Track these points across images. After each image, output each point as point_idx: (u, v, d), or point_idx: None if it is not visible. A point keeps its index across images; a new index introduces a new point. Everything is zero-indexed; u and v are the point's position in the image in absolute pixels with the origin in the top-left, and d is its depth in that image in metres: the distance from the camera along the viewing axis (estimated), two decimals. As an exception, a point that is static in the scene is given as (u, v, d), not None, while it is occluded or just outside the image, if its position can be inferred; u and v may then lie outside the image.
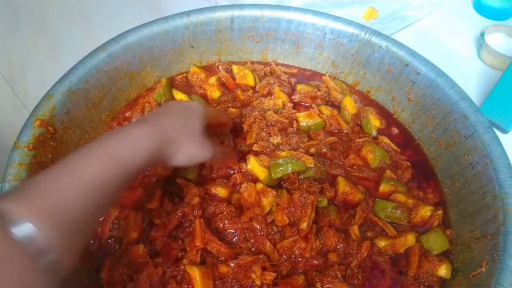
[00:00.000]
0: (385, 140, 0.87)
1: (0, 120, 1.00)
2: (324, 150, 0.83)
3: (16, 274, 0.39)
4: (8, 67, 1.00)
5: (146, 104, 0.88)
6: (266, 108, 0.89)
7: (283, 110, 0.89)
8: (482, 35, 1.13)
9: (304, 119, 0.87)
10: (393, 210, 0.75)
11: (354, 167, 0.82)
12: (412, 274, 0.70)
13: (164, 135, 0.58)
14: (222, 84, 0.95)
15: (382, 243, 0.72)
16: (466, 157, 0.77)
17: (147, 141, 0.56)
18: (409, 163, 0.84)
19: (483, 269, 0.65)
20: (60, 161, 0.48)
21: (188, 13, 0.90)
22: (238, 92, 0.93)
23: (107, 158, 0.50)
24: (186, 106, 0.69)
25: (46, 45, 1.05)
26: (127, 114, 0.88)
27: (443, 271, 0.70)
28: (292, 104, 0.90)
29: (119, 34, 0.85)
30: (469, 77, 1.10)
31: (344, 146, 0.86)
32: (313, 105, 0.91)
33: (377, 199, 0.77)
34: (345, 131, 0.88)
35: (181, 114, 0.65)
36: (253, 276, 0.65)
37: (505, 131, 0.98)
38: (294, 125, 0.86)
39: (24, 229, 0.40)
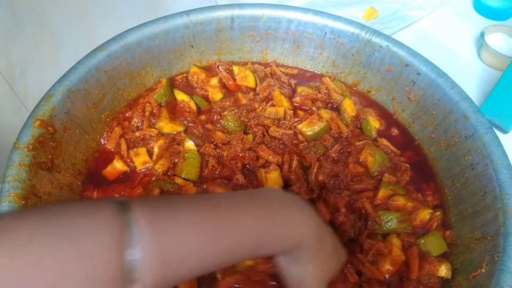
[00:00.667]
0: (384, 142, 0.87)
1: (0, 120, 1.00)
2: (329, 167, 0.82)
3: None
4: (8, 67, 1.00)
5: (147, 104, 0.88)
6: (268, 117, 0.89)
7: (285, 121, 0.88)
8: (482, 35, 1.13)
9: (308, 127, 0.86)
10: (398, 222, 0.74)
11: (354, 179, 0.81)
12: (414, 277, 0.70)
13: (314, 241, 0.47)
14: (223, 86, 0.95)
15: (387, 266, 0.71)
16: (466, 157, 0.77)
17: (300, 237, 0.46)
18: (408, 165, 0.84)
19: (483, 270, 0.65)
20: (214, 201, 0.42)
21: (188, 12, 0.90)
22: (239, 95, 0.93)
23: (254, 229, 0.42)
24: (338, 244, 0.55)
25: (46, 45, 1.05)
26: (127, 114, 0.88)
27: (444, 271, 0.70)
28: (292, 112, 0.90)
29: (118, 34, 0.85)
30: (469, 77, 1.10)
31: (344, 154, 0.85)
32: (313, 108, 0.91)
33: (380, 212, 0.75)
34: (345, 134, 0.88)
35: (334, 243, 0.53)
36: None
37: (505, 131, 0.98)
38: (300, 138, 0.85)
39: (135, 255, 0.35)
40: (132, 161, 0.81)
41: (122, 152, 0.82)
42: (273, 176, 0.78)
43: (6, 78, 0.99)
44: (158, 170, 0.79)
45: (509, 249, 0.63)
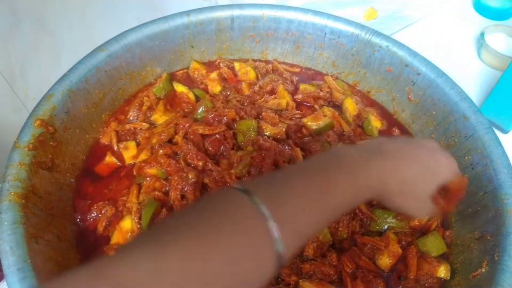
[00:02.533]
0: None
1: (0, 120, 1.00)
2: None
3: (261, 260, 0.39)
4: (8, 67, 1.00)
5: (145, 98, 0.88)
6: (269, 107, 0.89)
7: (286, 111, 0.89)
8: (482, 35, 1.13)
9: (313, 122, 0.87)
10: (396, 220, 0.75)
11: None
12: (412, 276, 0.70)
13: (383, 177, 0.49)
14: (223, 79, 0.95)
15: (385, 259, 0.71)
16: (466, 157, 0.77)
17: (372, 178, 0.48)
18: None
19: (483, 270, 0.65)
20: (315, 169, 0.46)
21: (188, 12, 0.90)
22: (244, 85, 0.93)
23: (357, 193, 0.47)
24: (436, 159, 0.54)
25: (46, 45, 1.04)
26: (126, 109, 0.88)
27: (443, 272, 0.70)
28: (294, 104, 0.90)
29: (119, 34, 0.85)
30: (469, 77, 1.10)
31: None
32: (316, 106, 0.91)
33: (377, 211, 0.75)
34: (347, 133, 0.88)
35: (423, 168, 0.53)
36: None
37: (505, 131, 0.98)
38: (304, 131, 0.85)
39: (275, 230, 0.39)
40: (121, 155, 0.81)
41: (113, 145, 0.82)
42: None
43: (6, 78, 0.99)
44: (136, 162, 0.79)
45: (509, 249, 0.63)
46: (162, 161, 0.75)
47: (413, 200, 0.53)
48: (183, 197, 0.73)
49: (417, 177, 0.52)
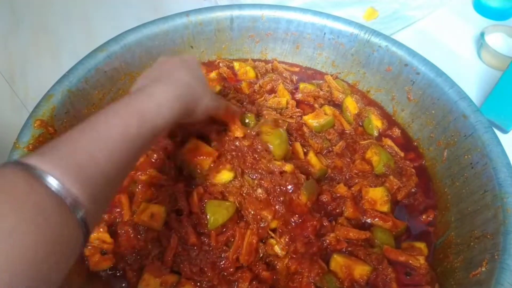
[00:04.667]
0: (389, 142, 0.87)
1: (0, 120, 1.00)
2: (335, 160, 0.83)
3: (53, 224, 0.38)
4: (8, 67, 1.00)
5: None
6: (269, 106, 0.89)
7: (286, 110, 0.89)
8: (482, 35, 1.13)
9: (314, 120, 0.87)
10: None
11: (359, 173, 0.81)
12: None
13: (186, 90, 0.58)
14: (223, 79, 0.95)
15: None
16: (466, 156, 0.77)
17: (172, 98, 0.55)
18: (413, 170, 0.83)
19: (483, 269, 0.64)
20: (84, 121, 0.48)
21: (187, 13, 0.90)
22: (244, 84, 0.93)
23: (132, 115, 0.50)
24: (183, 59, 0.66)
25: (46, 45, 1.05)
26: None
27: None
28: (294, 102, 0.90)
29: (118, 34, 0.85)
30: (469, 77, 1.10)
31: (350, 150, 0.85)
32: (316, 105, 0.91)
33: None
34: (348, 131, 0.88)
35: (186, 67, 0.63)
36: None
37: (505, 131, 0.98)
38: (304, 129, 0.85)
39: (55, 183, 0.39)
40: None
41: None
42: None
43: (6, 78, 0.99)
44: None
45: (509, 247, 0.62)
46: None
47: (210, 93, 0.64)
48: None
49: (194, 74, 0.62)
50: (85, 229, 0.42)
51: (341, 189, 0.77)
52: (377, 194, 0.77)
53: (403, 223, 0.77)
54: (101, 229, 0.70)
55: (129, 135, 0.48)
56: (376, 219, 0.76)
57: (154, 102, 0.53)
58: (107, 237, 0.70)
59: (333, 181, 0.80)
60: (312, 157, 0.80)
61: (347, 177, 0.81)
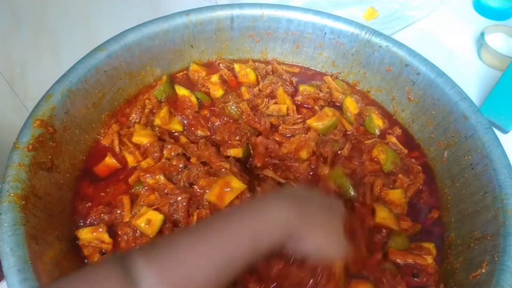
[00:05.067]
0: (393, 139, 0.87)
1: (0, 120, 1.00)
2: (346, 164, 0.83)
3: None
4: (8, 67, 1.00)
5: (147, 101, 0.88)
6: (270, 114, 0.89)
7: (288, 117, 0.89)
8: (482, 35, 1.13)
9: (318, 122, 0.87)
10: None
11: (372, 173, 0.81)
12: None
13: (303, 218, 0.53)
14: (225, 82, 0.95)
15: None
16: (466, 157, 0.77)
17: (285, 220, 0.51)
18: (420, 167, 0.83)
19: (483, 270, 0.65)
20: (198, 225, 0.48)
21: (187, 12, 0.90)
22: (243, 89, 0.93)
23: (243, 235, 0.47)
24: (329, 200, 0.62)
25: (46, 45, 1.05)
26: (126, 111, 0.88)
27: None
28: (295, 107, 0.90)
29: (118, 34, 0.85)
30: (469, 77, 1.10)
31: (356, 151, 0.85)
32: (316, 107, 0.91)
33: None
34: (350, 132, 0.88)
35: (323, 205, 0.59)
36: None
37: (505, 131, 0.98)
38: (309, 135, 0.85)
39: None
40: (124, 158, 0.81)
41: (115, 148, 0.82)
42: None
43: (6, 78, 0.99)
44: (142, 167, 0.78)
45: (509, 249, 0.63)
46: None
47: (325, 235, 0.56)
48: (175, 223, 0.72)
49: (324, 211, 0.57)
50: None
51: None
52: (396, 196, 0.78)
53: (418, 225, 0.76)
54: (101, 229, 0.70)
55: (233, 257, 0.46)
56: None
57: (269, 222, 0.50)
58: (106, 237, 0.70)
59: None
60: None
61: (361, 176, 0.81)
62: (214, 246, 0.45)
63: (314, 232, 0.54)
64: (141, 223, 0.69)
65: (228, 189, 0.70)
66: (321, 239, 0.56)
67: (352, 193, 0.76)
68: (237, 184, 0.70)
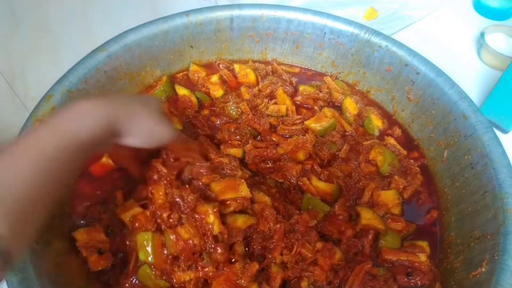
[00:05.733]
0: (391, 141, 0.87)
1: (0, 120, 1.00)
2: (343, 166, 0.83)
3: None
4: (8, 67, 1.00)
5: None
6: (270, 114, 0.89)
7: (287, 117, 0.89)
8: (482, 35, 1.13)
9: (317, 123, 0.87)
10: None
11: (367, 176, 0.82)
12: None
13: (115, 107, 0.55)
14: (224, 82, 0.95)
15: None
16: (466, 157, 0.77)
17: (96, 114, 0.53)
18: (418, 169, 0.84)
19: (483, 269, 0.64)
20: (4, 143, 0.47)
21: (187, 13, 0.90)
22: (243, 89, 0.93)
23: (48, 131, 0.48)
24: (144, 97, 0.67)
25: (46, 45, 1.05)
26: None
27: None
28: (294, 107, 0.90)
29: (118, 34, 0.85)
30: (469, 77, 1.10)
31: (354, 152, 0.85)
32: (315, 107, 0.91)
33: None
34: (349, 132, 0.88)
35: (137, 97, 0.63)
36: None
37: (505, 131, 0.98)
38: (307, 136, 0.85)
39: None
40: None
41: None
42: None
43: (6, 78, 0.99)
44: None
45: (509, 248, 0.63)
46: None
47: (153, 119, 0.60)
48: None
49: (139, 99, 0.61)
50: (7, 257, 0.41)
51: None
52: (388, 197, 0.78)
53: (413, 225, 0.77)
54: (97, 229, 0.70)
55: (47, 154, 0.47)
56: (389, 220, 0.76)
57: (76, 120, 0.51)
58: (102, 236, 0.70)
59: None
60: (316, 183, 0.79)
61: (355, 181, 0.81)
62: (20, 151, 0.45)
63: (136, 119, 0.57)
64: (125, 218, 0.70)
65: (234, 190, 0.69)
66: (145, 124, 0.59)
67: (328, 208, 0.76)
68: (245, 191, 0.69)
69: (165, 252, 0.64)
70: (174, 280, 0.65)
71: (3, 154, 0.46)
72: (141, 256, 0.65)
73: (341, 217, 0.74)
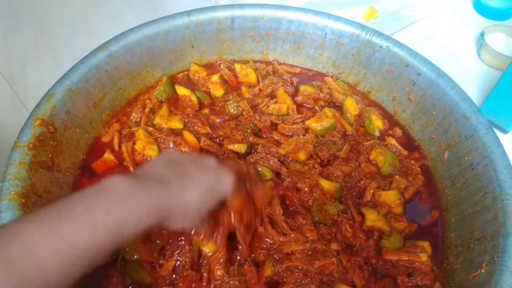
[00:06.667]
0: (392, 141, 0.87)
1: (0, 120, 1.00)
2: (343, 166, 0.83)
3: None
4: (8, 67, 1.00)
5: (147, 101, 0.88)
6: (270, 113, 0.89)
7: (288, 116, 0.89)
8: (482, 35, 1.13)
9: (317, 123, 0.87)
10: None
11: (367, 176, 0.82)
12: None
13: (167, 194, 0.52)
14: (225, 82, 0.95)
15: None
16: (466, 157, 0.77)
17: (143, 202, 0.49)
18: (419, 169, 0.84)
19: (483, 270, 0.65)
20: (47, 211, 0.44)
21: (188, 12, 0.90)
22: (243, 89, 0.93)
23: (91, 226, 0.44)
24: (199, 159, 0.60)
25: (46, 45, 1.04)
26: (127, 110, 0.88)
27: None
28: (295, 107, 0.90)
29: (119, 34, 0.85)
30: (469, 77, 1.10)
31: (354, 152, 0.85)
32: (316, 107, 0.92)
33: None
34: (349, 132, 0.88)
35: (197, 166, 0.57)
36: None
37: (505, 131, 0.98)
38: (307, 136, 0.85)
39: None
40: (122, 155, 0.81)
41: (114, 146, 0.82)
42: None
43: (6, 78, 0.99)
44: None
45: (509, 249, 0.63)
46: None
47: (190, 218, 0.56)
48: None
49: (196, 199, 0.55)
50: None
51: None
52: (390, 197, 0.78)
53: (415, 224, 0.77)
54: None
55: (77, 250, 0.43)
56: (391, 220, 0.76)
57: (121, 201, 0.48)
58: None
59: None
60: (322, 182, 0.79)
61: (356, 180, 0.81)
62: (67, 231, 0.43)
63: (178, 216, 0.54)
64: None
65: None
66: (183, 221, 0.55)
67: (342, 207, 0.76)
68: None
69: None
70: None
71: (52, 220, 0.43)
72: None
73: (350, 221, 0.75)
